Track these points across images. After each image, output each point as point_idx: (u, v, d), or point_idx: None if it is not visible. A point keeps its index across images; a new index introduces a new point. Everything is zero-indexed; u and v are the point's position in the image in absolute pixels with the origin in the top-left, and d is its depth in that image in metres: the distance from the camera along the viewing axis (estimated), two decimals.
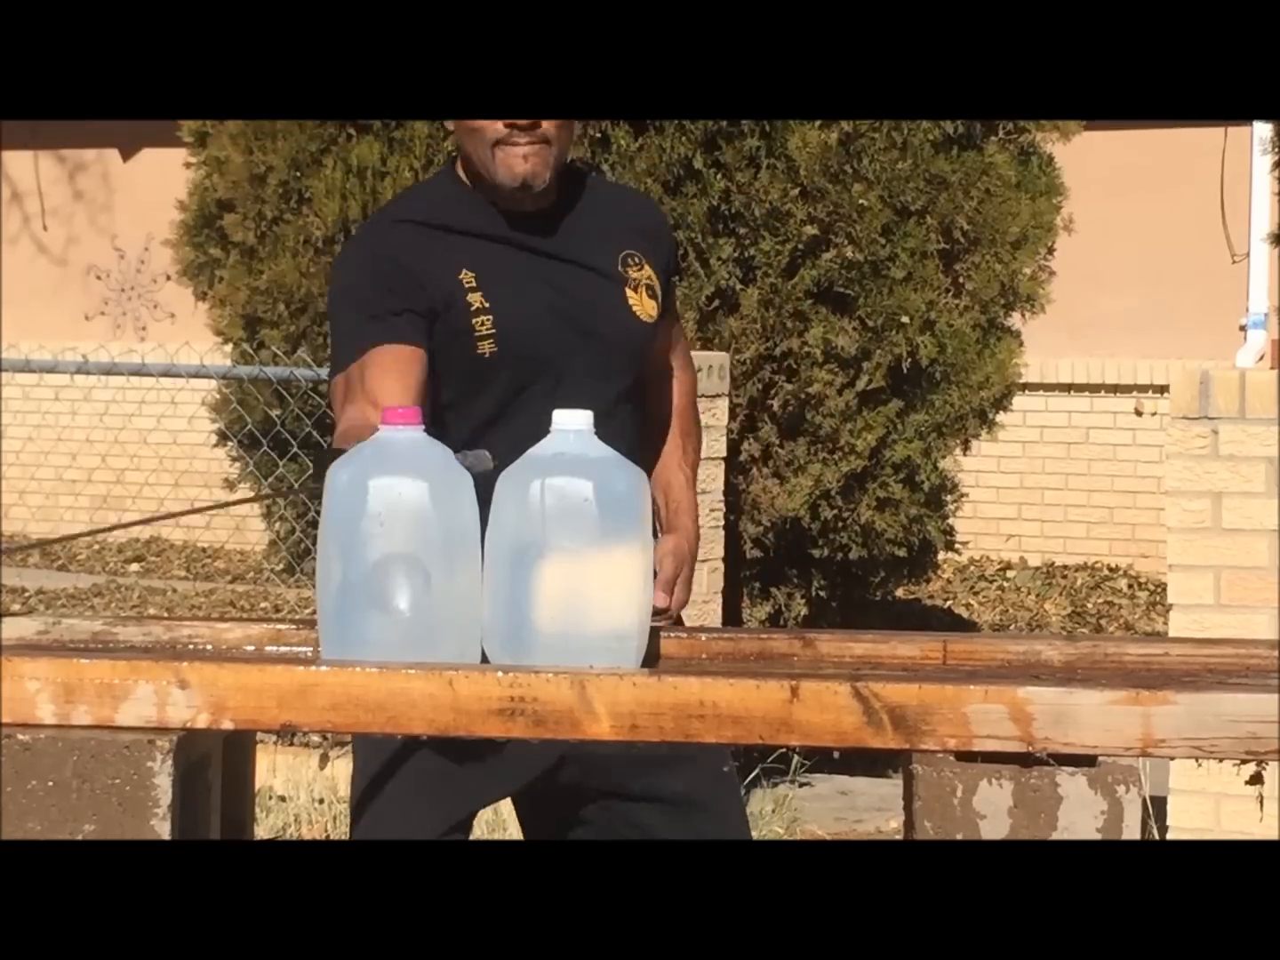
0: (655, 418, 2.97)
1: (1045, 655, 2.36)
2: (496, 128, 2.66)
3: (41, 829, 2.02)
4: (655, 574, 2.51)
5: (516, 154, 2.68)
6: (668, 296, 2.94)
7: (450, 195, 2.80)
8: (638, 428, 2.90)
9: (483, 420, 2.76)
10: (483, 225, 2.77)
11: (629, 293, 2.83)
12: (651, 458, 2.91)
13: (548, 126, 2.68)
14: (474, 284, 2.73)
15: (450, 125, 2.80)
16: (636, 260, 2.85)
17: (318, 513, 6.64)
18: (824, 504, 6.14)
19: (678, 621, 2.70)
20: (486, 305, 2.72)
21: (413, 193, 2.79)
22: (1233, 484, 4.34)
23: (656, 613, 2.46)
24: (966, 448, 6.67)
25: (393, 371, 2.63)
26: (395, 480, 2.14)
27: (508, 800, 2.93)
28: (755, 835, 3.19)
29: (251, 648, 2.37)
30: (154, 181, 10.86)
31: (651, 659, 2.32)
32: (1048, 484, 10.39)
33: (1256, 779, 2.02)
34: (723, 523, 5.83)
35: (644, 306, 2.84)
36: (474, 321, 2.72)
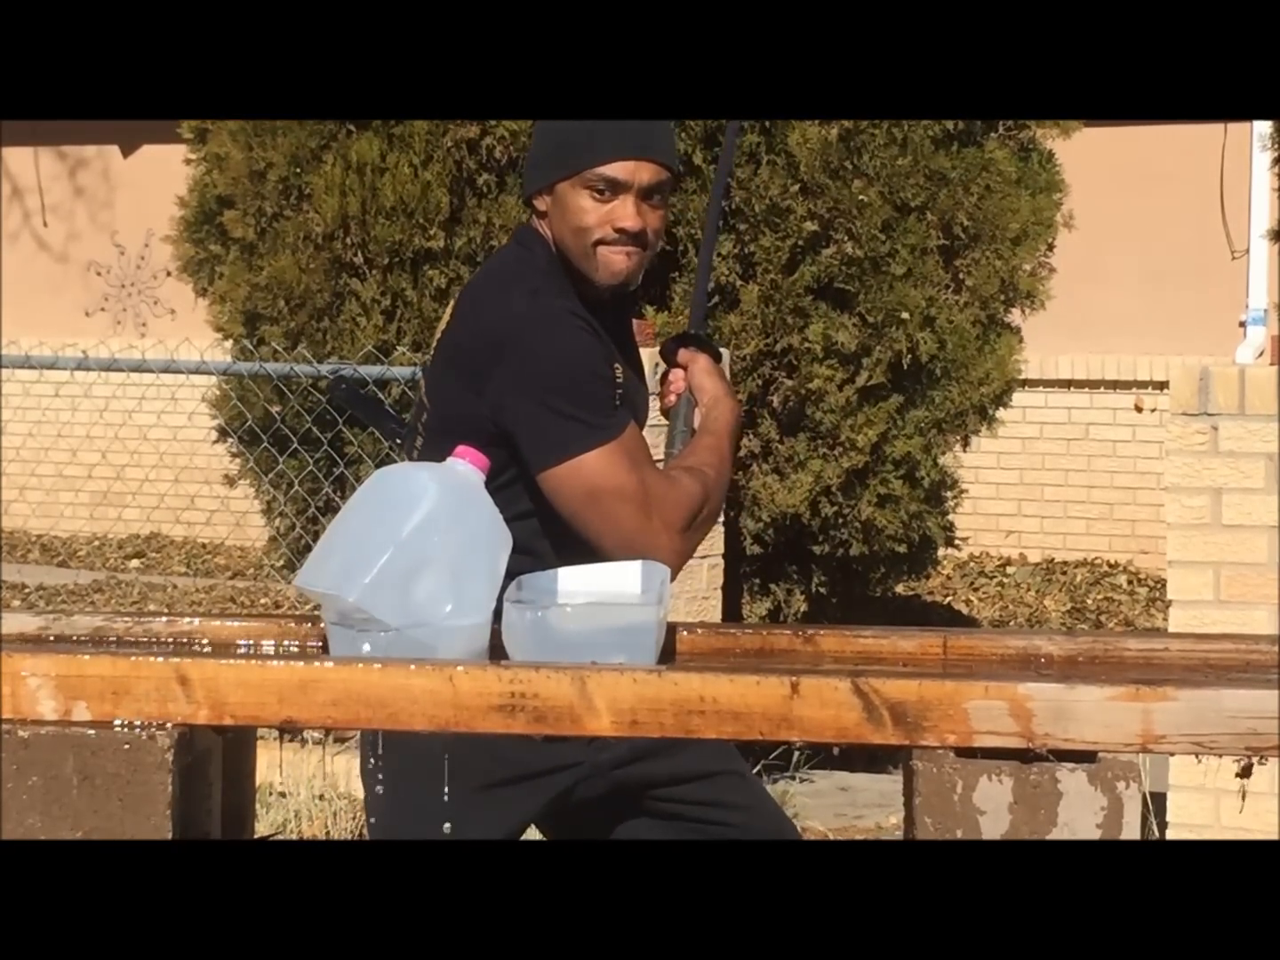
0: None
1: (1045, 651, 2.36)
2: (606, 229, 2.73)
3: (42, 825, 2.02)
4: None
5: (619, 253, 2.75)
6: None
7: (568, 285, 2.81)
8: None
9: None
10: (593, 317, 2.81)
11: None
12: None
13: (650, 234, 2.77)
14: (620, 378, 2.79)
15: (542, 206, 2.79)
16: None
17: (318, 509, 6.61)
18: (824, 500, 6.15)
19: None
20: (621, 395, 2.79)
21: (547, 275, 2.79)
22: (1232, 480, 4.34)
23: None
24: (966, 444, 6.67)
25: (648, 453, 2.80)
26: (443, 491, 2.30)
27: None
28: None
29: (252, 643, 2.38)
30: (154, 178, 10.86)
31: (669, 655, 2.34)
32: (1047, 480, 10.39)
33: (1245, 772, 2.03)
34: (723, 519, 5.83)
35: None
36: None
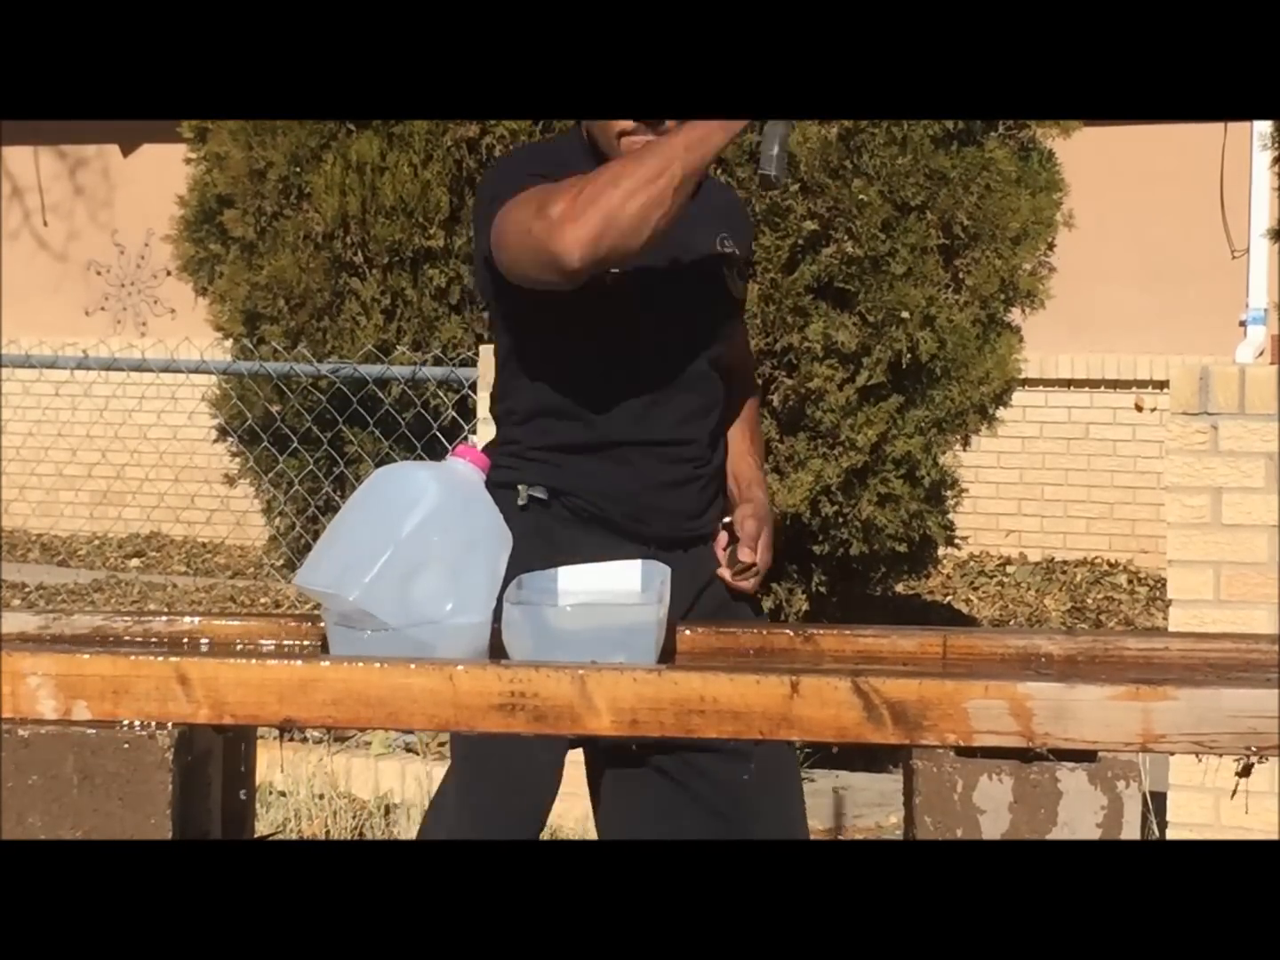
0: (728, 403, 3.15)
1: (1045, 650, 2.36)
2: (625, 122, 2.81)
3: (41, 824, 2.02)
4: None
5: (639, 142, 2.81)
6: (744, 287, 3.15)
7: (584, 158, 2.91)
8: (722, 399, 3.06)
9: (591, 346, 2.89)
10: None
11: (726, 270, 3.01)
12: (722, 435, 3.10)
13: (670, 123, 2.80)
14: None
15: None
16: (729, 244, 3.03)
17: (318, 509, 6.61)
18: (824, 500, 6.15)
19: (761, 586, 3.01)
20: None
21: (552, 147, 3.03)
22: (1232, 479, 4.34)
23: (743, 569, 2.94)
24: (966, 443, 6.66)
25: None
26: (441, 489, 2.29)
27: None
28: None
29: (252, 643, 2.38)
30: (154, 177, 10.86)
31: (669, 655, 2.34)
32: (1047, 479, 10.39)
33: (1245, 772, 2.03)
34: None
35: (736, 285, 3.03)
36: None
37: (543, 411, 2.93)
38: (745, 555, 2.98)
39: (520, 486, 2.91)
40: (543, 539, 2.86)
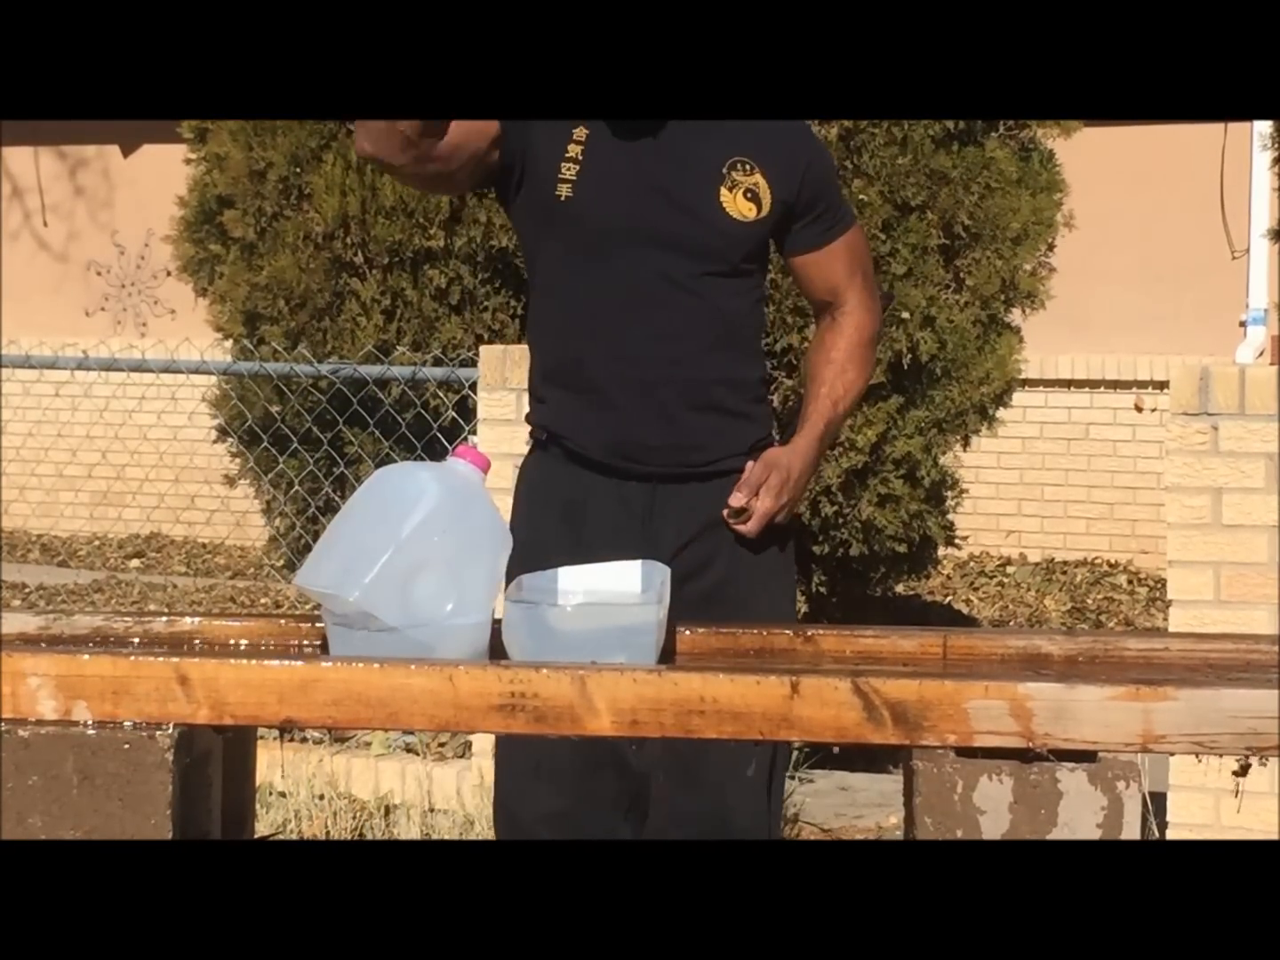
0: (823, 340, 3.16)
1: (1045, 651, 2.36)
2: None
3: (42, 825, 2.02)
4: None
5: None
6: (812, 223, 3.10)
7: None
8: (738, 324, 3.03)
9: (562, 272, 2.98)
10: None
11: (723, 190, 2.99)
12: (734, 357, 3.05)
13: None
14: (581, 140, 2.95)
15: None
16: (746, 167, 3.01)
17: (318, 509, 6.60)
18: (824, 500, 6.15)
19: (774, 531, 2.97)
20: (580, 158, 2.95)
21: None
22: (1232, 480, 4.34)
23: (734, 513, 2.91)
24: (967, 444, 6.66)
25: None
26: (439, 489, 2.28)
27: None
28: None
29: (251, 643, 2.38)
30: (154, 177, 10.87)
31: (669, 655, 2.34)
32: (1047, 480, 10.39)
33: (1243, 771, 2.03)
34: None
35: (736, 205, 2.99)
36: (561, 165, 2.95)
37: (535, 340, 3.06)
38: (734, 499, 2.93)
39: (531, 432, 3.05)
40: (547, 487, 2.98)
